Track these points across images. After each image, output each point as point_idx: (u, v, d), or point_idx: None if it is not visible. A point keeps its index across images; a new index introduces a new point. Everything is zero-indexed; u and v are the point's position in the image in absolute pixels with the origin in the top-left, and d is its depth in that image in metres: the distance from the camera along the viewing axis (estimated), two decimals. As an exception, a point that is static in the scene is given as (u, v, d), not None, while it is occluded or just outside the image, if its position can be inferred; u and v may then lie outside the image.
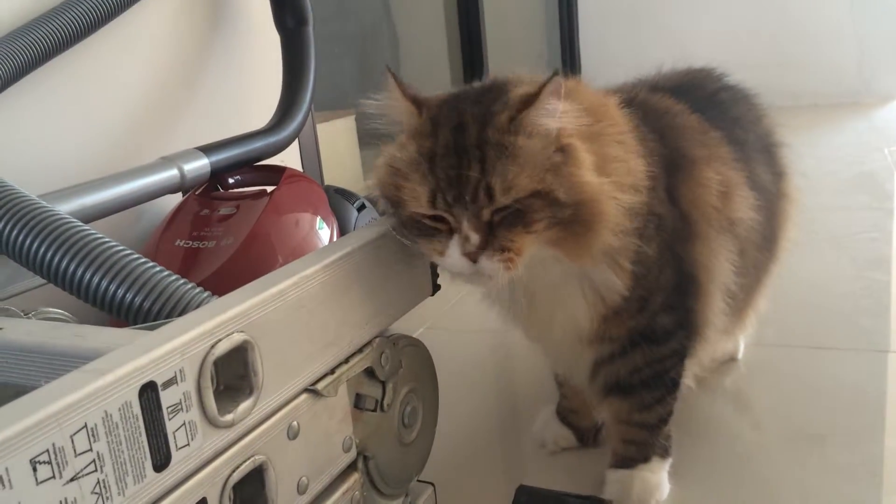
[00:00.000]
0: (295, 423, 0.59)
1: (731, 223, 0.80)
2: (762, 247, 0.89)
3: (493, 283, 0.66)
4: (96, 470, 0.43)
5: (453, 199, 0.63)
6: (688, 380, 0.85)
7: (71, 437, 0.41)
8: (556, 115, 0.64)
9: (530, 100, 0.63)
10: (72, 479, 0.41)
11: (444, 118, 0.66)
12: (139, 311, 0.64)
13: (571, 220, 0.64)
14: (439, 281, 0.78)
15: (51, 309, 0.72)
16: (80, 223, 0.67)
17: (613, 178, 0.66)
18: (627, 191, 0.67)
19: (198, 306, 0.63)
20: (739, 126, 0.91)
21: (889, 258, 1.50)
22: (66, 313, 0.72)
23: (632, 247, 0.70)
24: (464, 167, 0.63)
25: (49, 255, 0.66)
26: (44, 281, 0.69)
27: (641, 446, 0.83)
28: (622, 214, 0.66)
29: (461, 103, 0.67)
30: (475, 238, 0.63)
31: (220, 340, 0.51)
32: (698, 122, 0.84)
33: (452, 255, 0.64)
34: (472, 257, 0.63)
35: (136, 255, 0.65)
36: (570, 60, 3.72)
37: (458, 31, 3.09)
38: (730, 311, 0.84)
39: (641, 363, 0.78)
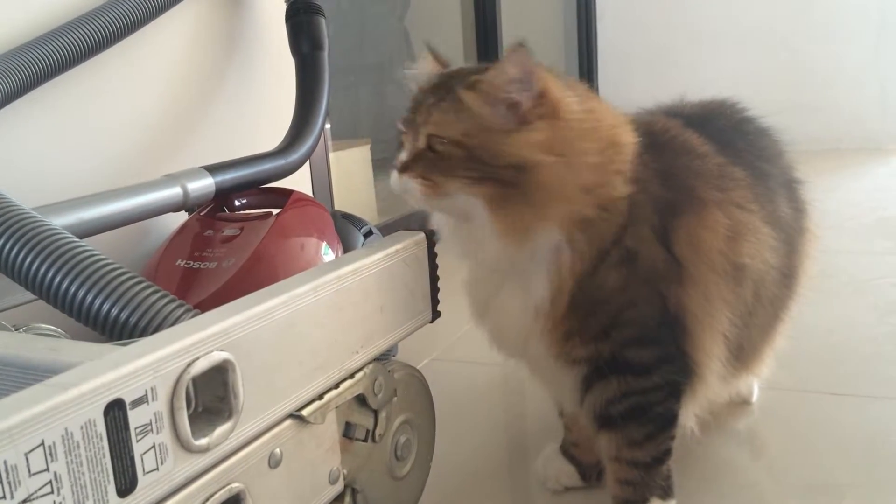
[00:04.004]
0: (277, 450, 0.56)
1: (738, 267, 0.77)
2: (782, 283, 0.86)
3: (414, 202, 0.72)
4: (52, 492, 0.40)
5: (410, 120, 0.73)
6: (689, 422, 0.81)
7: (25, 454, 0.38)
8: (521, 87, 0.69)
9: (493, 68, 0.70)
10: (24, 501, 0.38)
11: (449, 71, 0.77)
12: (124, 326, 0.61)
13: (510, 182, 0.68)
14: (440, 308, 0.75)
15: (42, 325, 0.70)
16: (66, 233, 0.65)
17: (573, 166, 0.70)
18: (590, 188, 0.70)
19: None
20: (764, 159, 0.89)
21: (911, 304, 1.46)
22: (58, 329, 0.69)
23: (576, 266, 0.71)
24: (427, 98, 0.73)
25: (34, 265, 0.63)
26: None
27: (638, 487, 0.79)
28: (572, 200, 0.69)
29: (469, 67, 0.77)
30: (404, 156, 0.72)
31: (197, 358, 0.48)
32: (719, 164, 0.81)
33: (393, 172, 0.73)
34: (399, 172, 0.72)
35: (119, 268, 0.62)
36: (588, 96, 3.71)
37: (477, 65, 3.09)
38: (739, 353, 0.81)
39: (617, 394, 0.75)
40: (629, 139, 0.75)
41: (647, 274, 0.73)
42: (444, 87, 0.74)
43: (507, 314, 0.76)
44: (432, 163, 0.71)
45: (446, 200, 0.71)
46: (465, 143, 0.70)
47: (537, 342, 0.75)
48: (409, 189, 0.71)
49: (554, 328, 0.74)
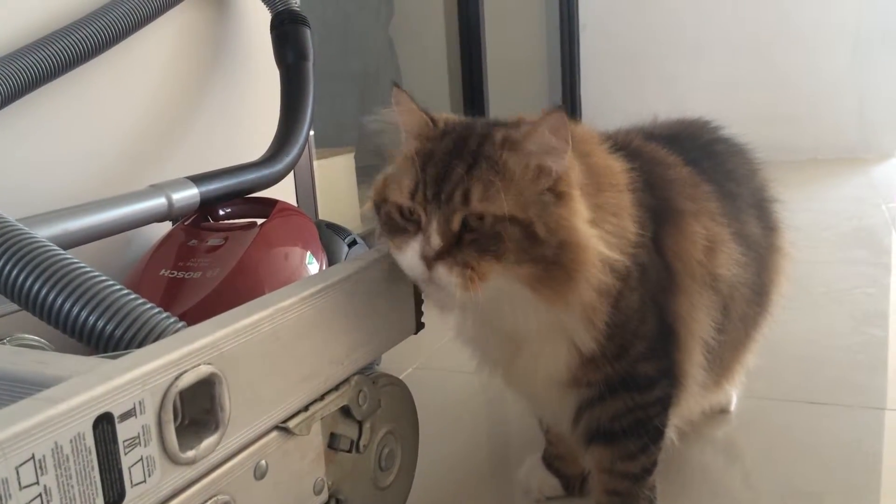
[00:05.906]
0: (263, 462, 0.57)
1: (714, 279, 0.78)
2: (752, 301, 0.87)
3: (445, 298, 0.63)
4: (42, 505, 0.40)
5: (432, 195, 0.63)
6: (671, 433, 0.83)
7: (16, 468, 0.39)
8: (555, 155, 0.64)
9: (529, 127, 0.64)
10: (14, 514, 0.39)
11: (454, 130, 0.68)
12: (109, 339, 0.62)
13: (551, 260, 0.63)
14: (423, 319, 0.76)
15: (27, 336, 0.70)
16: (51, 245, 0.65)
17: (605, 236, 0.66)
18: (615, 251, 0.67)
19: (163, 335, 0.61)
20: (732, 179, 0.90)
21: (886, 313, 1.48)
22: (43, 340, 0.70)
23: (607, 307, 0.69)
24: (451, 167, 0.63)
25: (19, 277, 0.64)
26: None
27: (626, 497, 0.80)
28: (605, 272, 0.66)
29: (476, 122, 0.70)
30: (437, 241, 0.62)
31: (185, 372, 0.49)
32: (690, 175, 0.83)
33: (410, 253, 0.63)
34: (429, 262, 0.61)
35: (105, 279, 0.63)
36: (570, 103, 3.75)
37: (461, 74, 3.11)
38: (712, 364, 0.82)
39: (623, 410, 0.75)
40: (629, 180, 0.73)
41: (652, 285, 0.73)
42: (467, 151, 0.64)
43: (541, 359, 0.73)
44: (478, 245, 0.62)
45: (484, 289, 0.62)
46: (520, 218, 0.61)
47: (566, 375, 0.73)
48: (447, 283, 0.61)
49: (580, 358, 0.72)
